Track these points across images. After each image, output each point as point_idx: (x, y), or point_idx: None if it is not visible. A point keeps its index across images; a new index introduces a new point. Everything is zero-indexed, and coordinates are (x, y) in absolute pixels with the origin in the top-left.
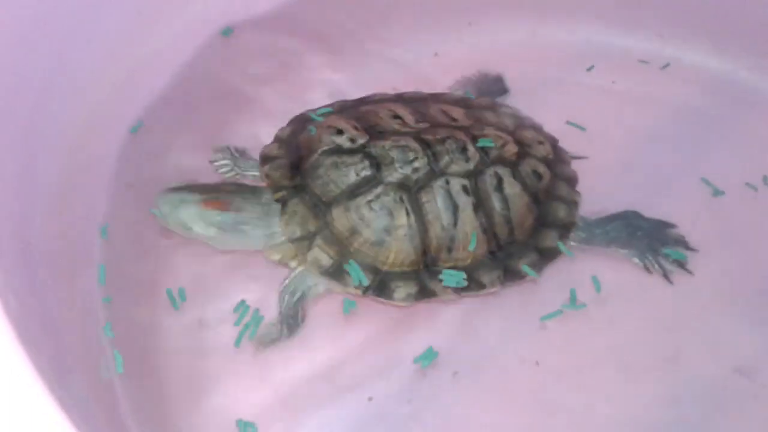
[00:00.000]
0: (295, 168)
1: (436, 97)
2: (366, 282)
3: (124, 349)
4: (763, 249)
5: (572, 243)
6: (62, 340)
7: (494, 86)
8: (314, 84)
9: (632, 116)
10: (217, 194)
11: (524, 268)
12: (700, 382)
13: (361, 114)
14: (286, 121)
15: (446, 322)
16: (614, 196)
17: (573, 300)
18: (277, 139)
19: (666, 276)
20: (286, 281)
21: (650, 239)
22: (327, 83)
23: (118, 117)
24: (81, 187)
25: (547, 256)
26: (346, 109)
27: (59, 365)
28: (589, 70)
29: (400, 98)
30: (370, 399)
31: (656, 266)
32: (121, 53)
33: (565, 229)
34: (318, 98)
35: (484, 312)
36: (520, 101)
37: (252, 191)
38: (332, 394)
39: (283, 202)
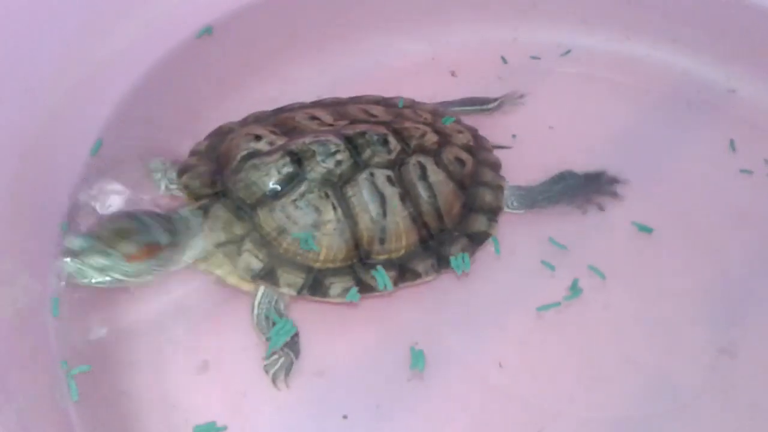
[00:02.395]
0: (215, 176)
1: (355, 99)
2: (391, 287)
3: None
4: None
5: (516, 210)
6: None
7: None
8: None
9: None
10: (142, 237)
11: (452, 261)
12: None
13: (279, 120)
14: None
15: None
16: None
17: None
18: (195, 152)
19: (601, 208)
20: (254, 311)
21: (585, 187)
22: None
23: (76, 126)
24: (35, 197)
25: (477, 241)
26: (262, 119)
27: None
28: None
29: (318, 103)
30: (378, 407)
31: (588, 206)
32: (78, 56)
33: (493, 213)
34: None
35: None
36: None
37: (163, 217)
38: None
39: (205, 210)
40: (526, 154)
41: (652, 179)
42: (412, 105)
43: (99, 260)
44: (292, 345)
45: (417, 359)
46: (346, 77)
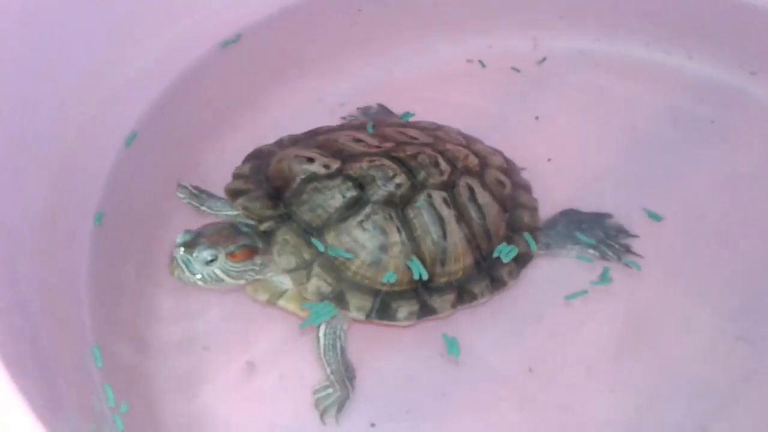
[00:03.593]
0: (273, 199)
1: (383, 122)
2: (426, 275)
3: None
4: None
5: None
6: (53, 375)
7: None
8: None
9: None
10: (242, 240)
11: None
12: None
13: (321, 142)
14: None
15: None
16: (548, 200)
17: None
18: (240, 176)
19: (619, 259)
20: (321, 340)
21: (595, 230)
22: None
23: (106, 136)
24: (69, 208)
25: (521, 262)
26: (300, 141)
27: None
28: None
29: (351, 126)
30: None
31: (610, 254)
32: (106, 72)
33: (532, 233)
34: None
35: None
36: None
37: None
38: None
39: (270, 233)
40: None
41: (663, 177)
42: (439, 127)
43: (206, 254)
44: (352, 377)
45: (452, 345)
46: (364, 90)
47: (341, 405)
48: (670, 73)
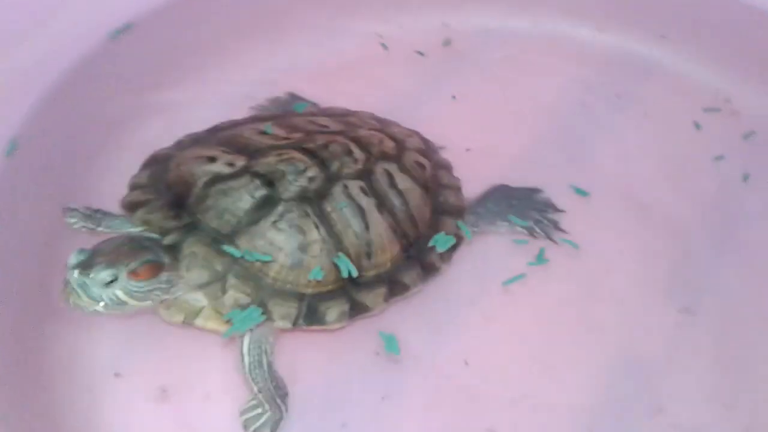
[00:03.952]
0: (175, 207)
1: (291, 113)
2: (355, 272)
3: None
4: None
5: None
6: None
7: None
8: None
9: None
10: (146, 256)
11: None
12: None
13: (225, 139)
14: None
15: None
16: (476, 178)
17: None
18: (137, 186)
19: (550, 238)
20: (246, 357)
21: (525, 206)
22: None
23: None
24: None
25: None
26: (201, 140)
27: None
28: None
29: (257, 118)
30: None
31: (538, 230)
32: None
33: (459, 214)
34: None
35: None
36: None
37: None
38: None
39: (175, 246)
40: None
41: (584, 151)
42: (352, 112)
43: (105, 274)
44: (284, 395)
45: (390, 343)
46: (270, 77)
47: (274, 427)
48: (580, 46)
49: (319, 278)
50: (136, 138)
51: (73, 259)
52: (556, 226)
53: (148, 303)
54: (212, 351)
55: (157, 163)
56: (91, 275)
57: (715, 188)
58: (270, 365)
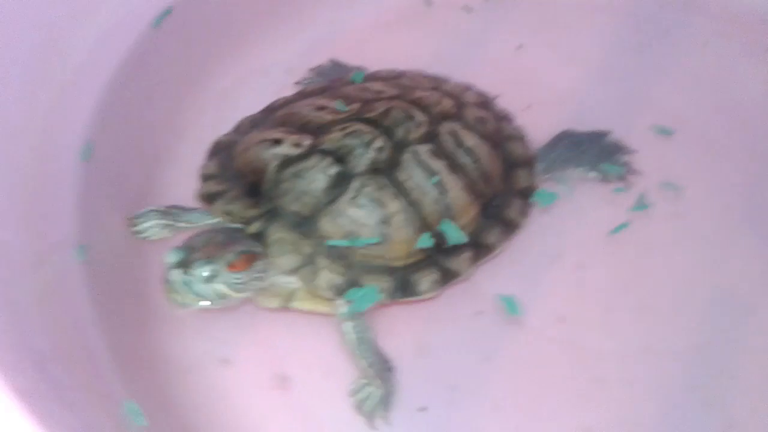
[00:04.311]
0: (252, 195)
1: (340, 81)
2: (464, 238)
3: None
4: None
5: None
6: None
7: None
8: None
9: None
10: (239, 247)
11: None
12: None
13: (283, 118)
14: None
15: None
16: (538, 125)
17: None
18: (208, 177)
19: (623, 179)
20: (351, 334)
21: (594, 150)
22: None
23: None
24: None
25: (528, 196)
26: (259, 122)
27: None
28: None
29: (308, 93)
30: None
31: (611, 173)
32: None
33: (530, 164)
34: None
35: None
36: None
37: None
38: None
39: (261, 235)
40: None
41: (647, 90)
42: (402, 73)
43: (206, 270)
44: (390, 371)
45: (511, 305)
46: (310, 47)
47: (386, 402)
48: None
49: (430, 244)
50: (192, 129)
51: (171, 258)
52: (629, 168)
53: (248, 293)
54: (316, 334)
55: (222, 150)
56: (193, 272)
57: None
58: (373, 340)
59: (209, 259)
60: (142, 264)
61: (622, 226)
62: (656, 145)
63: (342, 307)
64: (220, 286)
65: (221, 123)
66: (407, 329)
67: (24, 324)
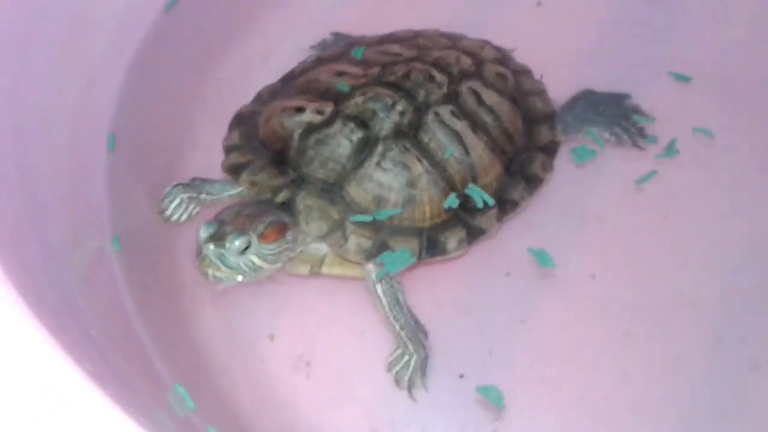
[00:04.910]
0: (278, 164)
1: (357, 43)
2: (491, 201)
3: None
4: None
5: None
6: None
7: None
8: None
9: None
10: (268, 218)
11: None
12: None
13: (303, 86)
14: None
15: None
16: (556, 85)
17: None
18: (232, 148)
19: (636, 144)
20: (383, 299)
21: (612, 111)
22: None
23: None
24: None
25: (550, 152)
26: (279, 91)
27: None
28: None
29: (326, 59)
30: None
31: (625, 137)
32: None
33: (550, 119)
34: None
35: None
36: None
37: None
38: None
39: (290, 203)
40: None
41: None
42: (418, 34)
43: (239, 242)
44: (423, 334)
45: (543, 258)
46: (316, 17)
47: (423, 368)
48: None
49: (455, 205)
50: (212, 107)
51: (204, 232)
52: (642, 132)
53: (280, 264)
54: (351, 301)
55: (244, 121)
56: (227, 245)
57: None
58: (405, 302)
59: (241, 232)
60: (175, 248)
61: (649, 175)
62: (677, 94)
63: (372, 271)
64: (253, 258)
65: (241, 98)
66: (439, 294)
67: (75, 312)
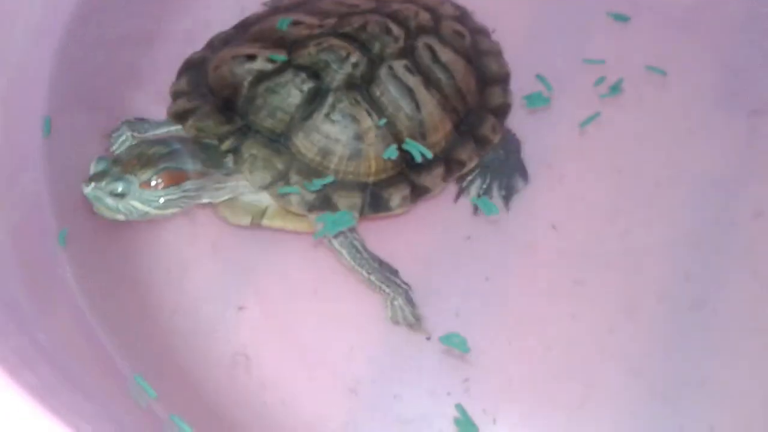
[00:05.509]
0: (225, 111)
1: None
2: (429, 154)
3: None
4: None
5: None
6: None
7: None
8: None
9: None
10: (163, 163)
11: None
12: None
13: (257, 34)
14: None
15: None
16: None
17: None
18: (179, 93)
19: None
20: (343, 251)
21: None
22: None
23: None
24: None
25: (501, 114)
26: (232, 39)
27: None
28: None
29: (280, 9)
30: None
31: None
32: None
33: (504, 81)
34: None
35: None
36: None
37: (195, 144)
38: None
39: (234, 151)
40: None
41: None
42: None
43: (114, 187)
44: (393, 273)
45: (487, 206)
46: None
47: (410, 303)
48: None
49: (394, 156)
50: (162, 56)
51: (91, 168)
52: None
53: (174, 210)
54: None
55: (194, 67)
56: (102, 186)
57: None
58: (365, 248)
59: (121, 175)
60: (125, 236)
61: (593, 117)
62: (616, 33)
63: (317, 226)
64: (134, 203)
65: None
66: (400, 263)
67: (19, 317)
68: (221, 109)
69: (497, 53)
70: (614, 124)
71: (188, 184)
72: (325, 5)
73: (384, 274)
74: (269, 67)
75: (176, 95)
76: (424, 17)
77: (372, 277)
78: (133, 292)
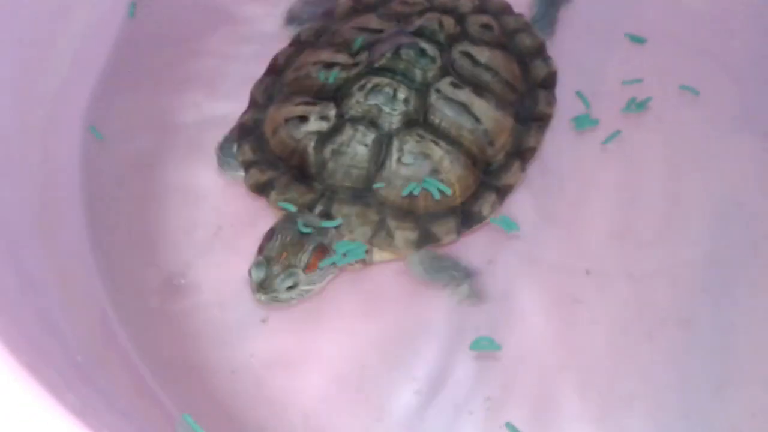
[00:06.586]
0: (302, 179)
1: (329, 17)
2: (448, 191)
3: None
4: None
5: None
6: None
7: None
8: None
9: None
10: (307, 244)
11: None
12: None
13: (295, 87)
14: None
15: None
16: None
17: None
18: (249, 164)
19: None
20: (416, 267)
21: None
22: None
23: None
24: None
25: (550, 84)
26: (270, 90)
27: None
28: None
29: (302, 44)
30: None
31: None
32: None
33: (541, 51)
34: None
35: None
36: None
37: (293, 217)
38: None
39: (326, 216)
40: None
41: None
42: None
43: (285, 282)
44: (456, 267)
45: (507, 224)
46: None
47: (476, 289)
48: None
49: (416, 193)
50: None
51: (255, 275)
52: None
53: (330, 277)
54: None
55: (250, 131)
56: (276, 287)
57: None
58: (440, 260)
59: (287, 272)
60: (160, 259)
61: (613, 135)
62: (633, 54)
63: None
64: (304, 287)
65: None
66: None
67: (56, 334)
68: (298, 177)
69: (526, 26)
70: (634, 142)
71: (329, 254)
72: (345, 32)
73: (453, 274)
74: (325, 126)
75: (246, 165)
76: (449, 23)
77: (443, 276)
78: (168, 317)
